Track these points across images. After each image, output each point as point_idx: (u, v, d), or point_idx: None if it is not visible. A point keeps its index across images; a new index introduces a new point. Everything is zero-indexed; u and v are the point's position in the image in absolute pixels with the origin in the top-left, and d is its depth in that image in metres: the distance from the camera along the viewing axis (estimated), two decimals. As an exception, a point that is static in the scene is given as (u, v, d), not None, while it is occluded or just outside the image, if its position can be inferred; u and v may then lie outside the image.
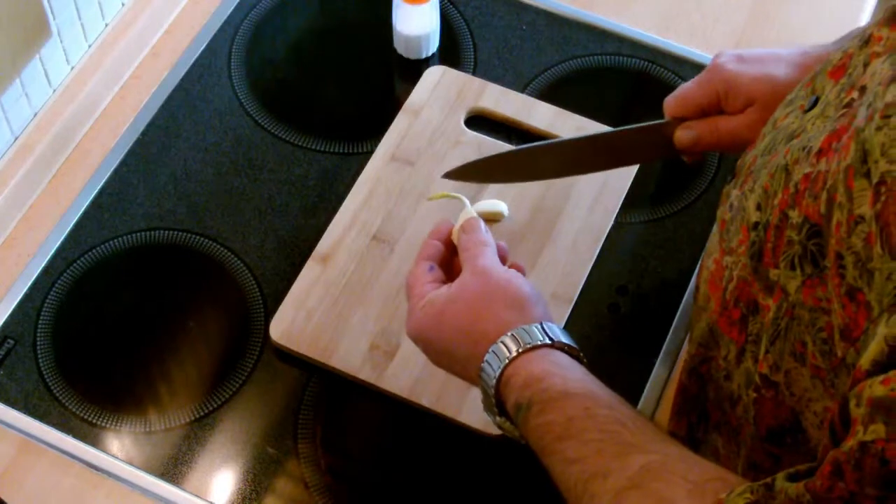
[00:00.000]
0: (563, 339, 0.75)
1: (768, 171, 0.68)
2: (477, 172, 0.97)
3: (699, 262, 0.81)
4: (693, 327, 0.80)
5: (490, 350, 0.74)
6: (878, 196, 0.53)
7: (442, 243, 0.85)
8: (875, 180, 0.54)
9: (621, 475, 0.63)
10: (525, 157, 0.96)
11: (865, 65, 0.63)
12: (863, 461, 0.50)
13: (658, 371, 0.98)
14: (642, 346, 0.99)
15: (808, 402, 0.62)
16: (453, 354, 0.79)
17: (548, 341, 0.74)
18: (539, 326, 0.75)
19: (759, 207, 0.67)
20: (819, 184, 0.59)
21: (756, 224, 0.67)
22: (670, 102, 0.92)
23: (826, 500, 0.52)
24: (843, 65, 0.67)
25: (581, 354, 0.75)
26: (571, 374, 0.72)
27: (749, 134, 0.84)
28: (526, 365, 0.73)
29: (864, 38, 0.65)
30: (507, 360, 0.73)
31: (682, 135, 0.91)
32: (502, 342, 0.74)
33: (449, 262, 0.85)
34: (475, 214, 0.86)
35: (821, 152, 0.61)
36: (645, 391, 0.96)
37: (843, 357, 0.57)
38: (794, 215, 0.62)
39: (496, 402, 0.74)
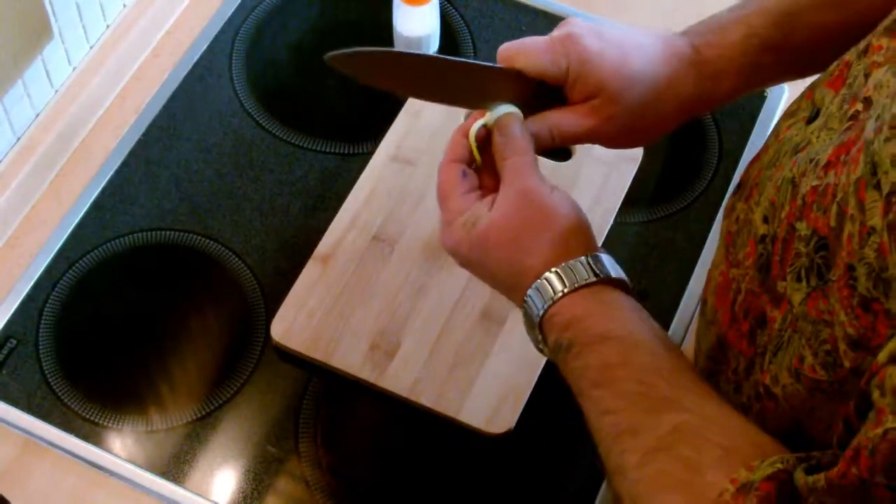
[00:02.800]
0: (611, 272, 0.71)
1: (774, 183, 0.67)
2: (360, 65, 0.81)
3: (706, 274, 0.80)
4: (701, 341, 0.79)
5: (534, 286, 0.70)
6: (890, 206, 0.53)
7: (465, 149, 0.77)
8: (886, 191, 0.54)
9: (651, 434, 0.63)
10: (406, 62, 0.82)
11: (866, 75, 0.63)
12: (878, 448, 0.50)
13: (657, 371, 0.98)
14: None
15: (810, 411, 0.62)
16: (495, 279, 0.74)
17: (594, 278, 0.70)
18: (585, 261, 0.70)
19: (766, 220, 0.67)
20: (828, 197, 0.59)
21: (763, 237, 0.67)
22: (510, 51, 0.78)
23: (838, 487, 0.52)
24: (841, 74, 0.67)
25: (629, 285, 0.72)
26: (614, 315, 0.69)
27: (589, 137, 0.77)
28: (570, 304, 0.69)
29: (863, 48, 0.65)
30: (551, 301, 0.70)
31: (524, 127, 0.77)
32: (546, 279, 0.70)
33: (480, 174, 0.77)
34: (513, 108, 0.76)
35: (828, 165, 0.61)
36: (644, 391, 0.97)
37: (852, 367, 0.57)
38: (802, 227, 0.61)
39: (542, 339, 0.71)
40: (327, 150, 1.11)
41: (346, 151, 1.11)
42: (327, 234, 1.04)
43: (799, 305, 0.61)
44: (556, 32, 0.79)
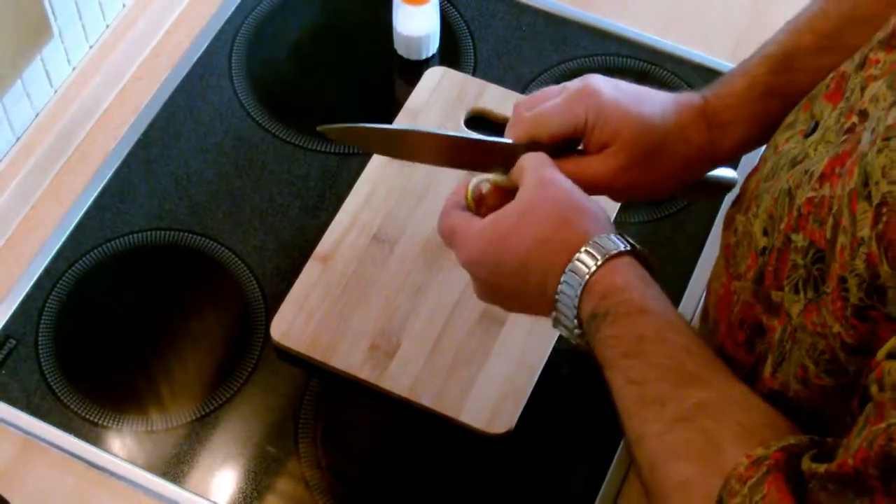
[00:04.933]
0: (640, 247, 0.73)
1: (772, 195, 0.68)
2: (355, 137, 0.89)
3: (707, 286, 0.80)
4: None
5: (573, 259, 0.71)
6: (880, 217, 0.54)
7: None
8: (876, 201, 0.54)
9: (677, 406, 0.64)
10: (404, 138, 0.87)
11: (863, 88, 0.63)
12: (876, 441, 0.51)
13: (657, 371, 0.98)
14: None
15: (823, 405, 0.62)
16: (527, 268, 0.74)
17: (629, 248, 0.72)
18: (615, 235, 0.73)
19: (765, 232, 0.68)
20: (824, 209, 0.60)
21: (764, 249, 0.67)
22: (525, 123, 0.80)
23: (837, 474, 0.53)
24: (839, 87, 0.68)
25: (653, 263, 0.74)
26: (650, 291, 0.71)
27: (601, 186, 0.79)
28: (609, 273, 0.71)
29: (861, 62, 0.66)
30: (594, 268, 0.71)
31: None
32: (586, 250, 0.71)
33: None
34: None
35: (823, 177, 0.61)
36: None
37: (857, 370, 0.57)
38: (798, 239, 0.62)
39: (576, 314, 0.72)
40: (327, 149, 1.11)
41: (346, 151, 1.11)
42: (327, 234, 1.04)
43: (797, 317, 0.62)
44: (573, 84, 0.80)
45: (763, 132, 0.79)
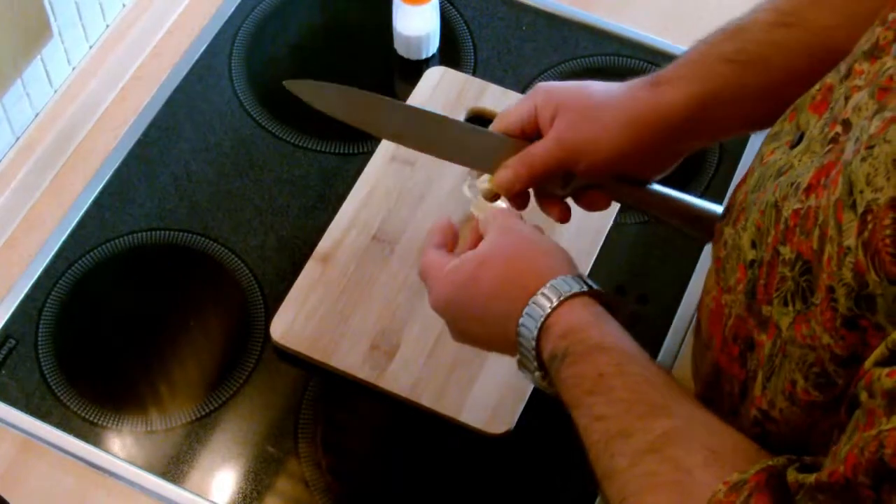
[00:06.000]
0: (597, 287, 0.75)
1: (759, 207, 0.68)
2: (322, 99, 0.89)
3: (699, 299, 0.81)
4: (698, 365, 0.80)
5: (530, 302, 0.74)
6: (865, 225, 0.54)
7: (445, 235, 0.84)
8: (861, 210, 0.54)
9: (643, 438, 0.64)
10: (372, 106, 0.87)
11: (846, 98, 0.64)
12: (867, 447, 0.50)
13: (657, 371, 0.98)
14: (641, 345, 0.99)
15: (810, 428, 0.62)
16: (488, 314, 0.77)
17: (585, 289, 0.74)
18: (572, 277, 0.74)
19: (753, 245, 0.68)
20: (810, 220, 0.60)
21: (752, 262, 0.67)
22: (494, 123, 0.86)
23: (827, 484, 0.53)
24: (824, 99, 0.68)
25: (612, 301, 0.75)
26: (608, 328, 0.72)
27: (565, 145, 0.81)
28: (566, 314, 0.72)
29: (846, 72, 0.66)
30: (549, 310, 0.73)
31: (500, 175, 0.84)
32: (542, 293, 0.73)
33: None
34: (503, 205, 0.86)
35: (809, 188, 0.61)
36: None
37: (846, 382, 0.57)
38: (786, 251, 0.62)
39: (535, 356, 0.74)
40: (327, 150, 1.11)
41: (346, 151, 1.11)
42: (327, 234, 1.04)
43: (787, 330, 0.62)
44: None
45: (709, 96, 0.79)
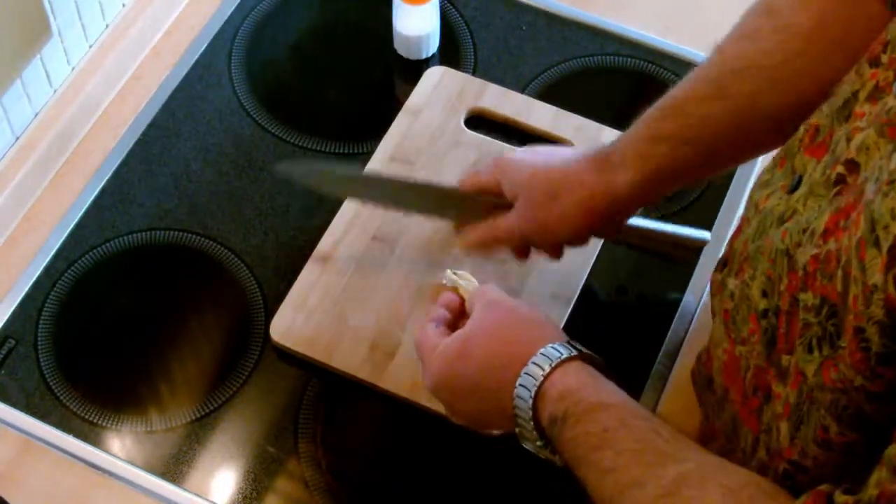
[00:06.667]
0: (587, 351, 0.77)
1: (767, 256, 0.68)
2: (317, 179, 0.99)
3: (708, 352, 0.81)
4: (715, 419, 0.80)
5: (522, 372, 0.75)
6: (892, 260, 0.53)
7: (447, 310, 0.87)
8: (887, 245, 0.54)
9: (657, 484, 0.64)
10: (363, 182, 1.00)
11: (848, 139, 0.64)
12: None
13: (657, 371, 0.98)
14: (641, 346, 1.00)
15: (845, 467, 0.62)
16: (482, 389, 0.79)
17: (576, 353, 0.75)
18: (561, 343, 0.76)
19: (764, 294, 0.68)
20: (832, 263, 0.59)
21: (766, 311, 0.67)
22: (462, 181, 0.93)
23: (879, 500, 0.53)
24: (823, 143, 0.68)
25: (604, 364, 0.77)
26: (605, 387, 0.73)
27: (525, 228, 0.88)
28: (560, 378, 0.74)
29: (846, 114, 0.66)
30: (542, 377, 0.74)
31: (467, 238, 0.92)
32: (533, 362, 0.75)
33: (455, 327, 0.86)
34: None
35: (827, 232, 0.61)
36: (644, 390, 0.97)
37: (887, 417, 0.57)
38: (808, 298, 0.62)
39: (534, 424, 0.75)
40: (327, 149, 1.11)
41: (345, 151, 1.11)
42: (327, 234, 1.04)
43: (813, 377, 0.61)
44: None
45: (654, 175, 0.83)
